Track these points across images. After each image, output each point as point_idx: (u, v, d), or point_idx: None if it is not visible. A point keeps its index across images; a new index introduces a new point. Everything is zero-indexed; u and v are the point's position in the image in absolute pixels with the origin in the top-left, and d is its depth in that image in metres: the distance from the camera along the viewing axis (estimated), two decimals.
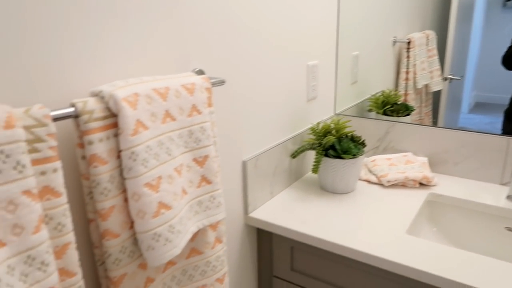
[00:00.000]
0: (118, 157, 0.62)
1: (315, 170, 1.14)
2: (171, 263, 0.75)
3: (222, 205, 0.78)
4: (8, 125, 0.47)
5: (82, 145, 0.59)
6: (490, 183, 1.21)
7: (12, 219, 0.47)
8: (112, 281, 0.64)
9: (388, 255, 0.87)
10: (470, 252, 0.87)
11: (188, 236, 0.71)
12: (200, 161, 0.74)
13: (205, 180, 0.75)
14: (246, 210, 1.07)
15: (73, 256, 0.56)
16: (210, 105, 0.78)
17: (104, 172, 0.60)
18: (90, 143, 0.58)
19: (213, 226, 0.81)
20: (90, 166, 0.59)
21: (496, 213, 1.09)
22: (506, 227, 1.09)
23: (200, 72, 0.84)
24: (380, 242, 0.92)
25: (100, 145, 0.59)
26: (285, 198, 1.16)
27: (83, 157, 0.60)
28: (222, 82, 0.83)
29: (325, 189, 1.20)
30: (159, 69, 0.76)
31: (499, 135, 1.17)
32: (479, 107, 1.28)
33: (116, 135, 0.61)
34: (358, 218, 1.03)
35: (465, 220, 1.14)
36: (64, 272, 0.55)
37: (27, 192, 0.48)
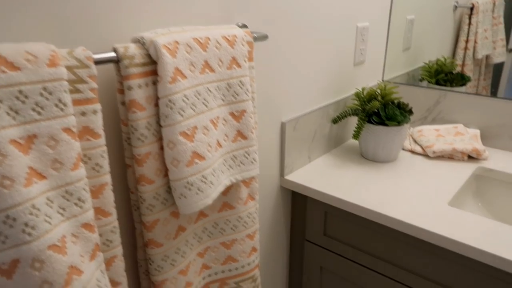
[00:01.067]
0: (156, 105, 0.62)
1: (356, 136, 1.11)
2: (203, 214, 0.77)
3: (257, 162, 0.78)
4: (52, 63, 0.48)
5: (121, 91, 0.60)
6: None
7: (53, 154, 0.49)
8: (145, 226, 0.67)
9: (426, 225, 0.83)
10: None
11: (221, 188, 0.71)
12: (237, 116, 0.73)
13: (241, 135, 0.74)
14: (282, 172, 1.06)
15: (109, 197, 0.58)
16: (250, 59, 0.76)
17: (141, 118, 0.60)
18: (130, 88, 0.59)
19: (246, 183, 0.81)
20: (128, 111, 0.60)
21: None
22: None
23: (244, 27, 0.82)
24: (419, 212, 0.88)
25: (139, 91, 0.59)
26: (323, 163, 1.14)
27: (123, 103, 0.61)
28: (264, 37, 0.81)
29: (365, 157, 1.16)
30: (201, 22, 0.75)
31: None
32: None
33: (155, 83, 0.62)
34: (397, 187, 0.99)
35: None
36: (100, 211, 0.57)
37: (67, 130, 0.50)
